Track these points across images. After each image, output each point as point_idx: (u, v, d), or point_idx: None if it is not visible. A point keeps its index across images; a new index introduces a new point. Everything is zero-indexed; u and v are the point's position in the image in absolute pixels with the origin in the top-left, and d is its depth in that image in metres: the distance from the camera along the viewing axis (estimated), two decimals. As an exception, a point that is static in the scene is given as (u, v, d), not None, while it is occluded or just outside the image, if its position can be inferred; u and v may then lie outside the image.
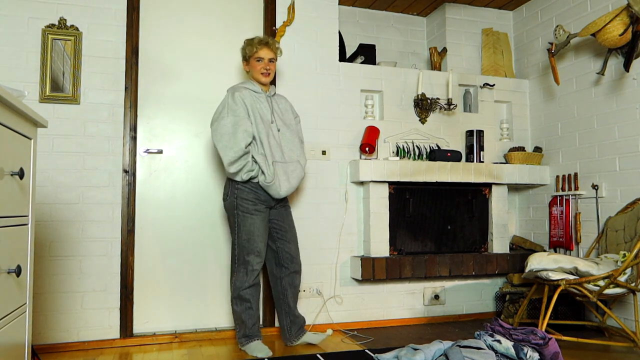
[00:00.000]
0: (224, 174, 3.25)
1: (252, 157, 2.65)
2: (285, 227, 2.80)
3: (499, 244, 3.60)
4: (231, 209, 2.70)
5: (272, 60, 2.77)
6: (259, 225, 2.68)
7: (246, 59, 2.80)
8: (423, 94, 3.57)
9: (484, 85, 3.77)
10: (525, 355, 2.25)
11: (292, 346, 2.86)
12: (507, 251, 3.61)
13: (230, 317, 3.21)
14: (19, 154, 1.56)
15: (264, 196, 2.70)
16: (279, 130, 2.75)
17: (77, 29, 2.97)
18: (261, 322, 3.20)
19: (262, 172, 2.65)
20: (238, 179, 2.64)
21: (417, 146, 3.57)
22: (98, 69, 3.00)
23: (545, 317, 2.80)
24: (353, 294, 3.39)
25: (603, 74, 3.13)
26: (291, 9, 3.36)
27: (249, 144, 2.63)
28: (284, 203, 2.84)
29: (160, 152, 3.14)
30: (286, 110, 2.87)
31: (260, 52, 2.73)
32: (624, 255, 2.74)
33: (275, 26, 3.34)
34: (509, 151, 3.76)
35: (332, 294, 3.33)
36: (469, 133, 3.66)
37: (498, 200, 3.63)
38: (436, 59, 3.84)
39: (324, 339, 2.91)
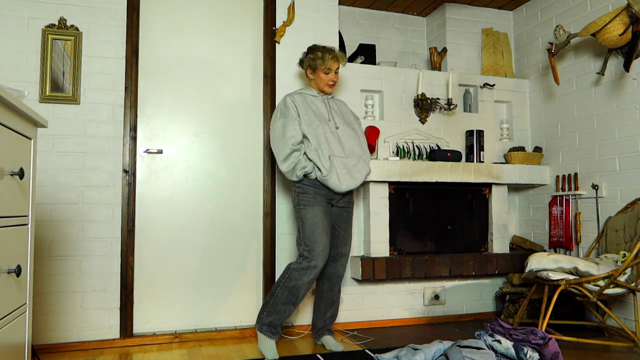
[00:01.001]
0: (224, 174, 3.25)
1: (306, 154, 2.70)
2: (342, 226, 2.81)
3: (499, 244, 3.60)
4: (295, 206, 2.76)
5: (337, 72, 2.82)
6: (322, 218, 2.66)
7: (312, 68, 2.80)
8: (423, 94, 3.57)
9: (484, 85, 3.77)
10: (525, 355, 2.25)
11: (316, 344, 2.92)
12: (507, 251, 3.61)
13: (231, 317, 3.21)
14: (19, 154, 1.56)
15: (324, 190, 2.70)
16: (337, 128, 2.77)
17: (77, 29, 2.97)
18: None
19: (318, 168, 2.66)
20: (295, 178, 2.70)
21: (417, 146, 3.57)
22: (98, 69, 3.00)
23: (545, 317, 2.80)
24: (353, 294, 3.39)
25: (603, 74, 3.13)
26: (291, 9, 3.36)
27: (299, 142, 2.68)
28: (345, 203, 2.80)
29: (160, 152, 3.14)
30: (346, 111, 2.92)
31: (330, 65, 2.77)
32: (624, 255, 2.74)
33: (275, 26, 3.34)
34: (509, 151, 3.76)
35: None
36: (469, 133, 3.66)
37: (498, 200, 3.63)
38: (436, 59, 3.84)
39: (339, 349, 2.80)
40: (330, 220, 2.76)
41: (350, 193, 2.84)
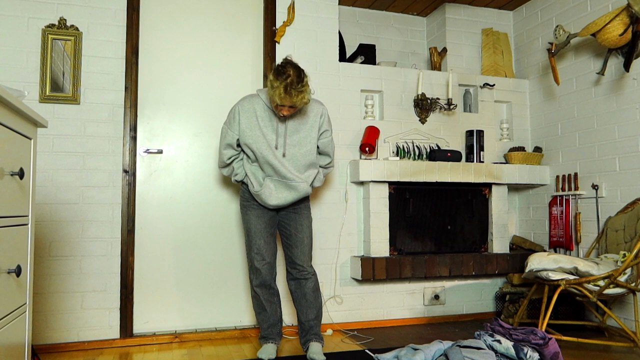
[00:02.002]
0: (224, 174, 3.25)
1: (244, 163, 2.68)
2: (290, 230, 2.68)
3: (499, 244, 3.60)
4: (239, 208, 2.77)
5: (294, 107, 2.46)
6: (255, 222, 2.64)
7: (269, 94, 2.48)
8: (423, 94, 3.57)
9: (484, 85, 3.77)
10: (525, 355, 2.25)
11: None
12: (507, 251, 3.61)
13: (230, 317, 3.21)
14: (19, 154, 1.56)
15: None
16: (284, 156, 2.56)
17: (77, 29, 2.97)
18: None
19: (251, 182, 2.62)
20: (232, 180, 2.72)
21: (417, 146, 3.57)
22: (98, 69, 3.00)
23: (545, 317, 2.80)
24: (353, 294, 3.39)
25: (603, 74, 3.13)
26: (291, 9, 3.36)
27: (232, 156, 2.66)
28: (293, 208, 2.69)
29: (160, 152, 3.14)
30: (305, 126, 2.61)
31: (280, 101, 2.40)
32: (624, 255, 2.74)
33: (275, 26, 3.34)
34: (509, 151, 3.76)
35: (332, 294, 3.33)
36: (469, 133, 3.66)
37: (498, 200, 3.63)
38: (436, 59, 3.84)
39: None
40: (271, 223, 2.68)
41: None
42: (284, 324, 3.21)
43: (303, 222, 2.69)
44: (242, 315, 3.23)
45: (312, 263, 3.29)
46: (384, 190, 3.37)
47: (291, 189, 2.59)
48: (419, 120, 3.62)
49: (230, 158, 2.67)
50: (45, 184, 2.88)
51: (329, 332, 3.02)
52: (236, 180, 2.70)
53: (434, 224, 3.53)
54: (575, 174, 3.43)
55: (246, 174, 2.66)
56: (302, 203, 2.72)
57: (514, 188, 3.91)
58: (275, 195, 2.58)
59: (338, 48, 3.50)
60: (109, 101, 3.01)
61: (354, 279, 3.37)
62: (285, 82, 2.34)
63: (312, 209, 3.33)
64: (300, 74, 2.38)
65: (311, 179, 2.67)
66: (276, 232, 2.73)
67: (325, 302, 3.32)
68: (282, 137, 2.57)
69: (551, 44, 3.35)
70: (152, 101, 3.15)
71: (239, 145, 2.65)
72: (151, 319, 3.07)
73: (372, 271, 3.20)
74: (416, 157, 3.54)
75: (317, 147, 2.68)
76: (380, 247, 3.33)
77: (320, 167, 2.74)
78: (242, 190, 2.72)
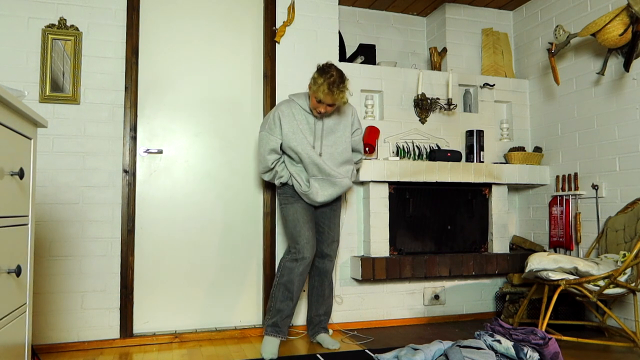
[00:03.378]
0: (224, 174, 3.25)
1: (286, 165, 2.80)
2: (323, 227, 2.88)
3: (499, 244, 3.60)
4: (279, 206, 2.93)
5: (332, 105, 2.64)
6: (303, 214, 2.78)
7: (310, 87, 2.64)
8: (423, 94, 3.57)
9: (484, 85, 3.77)
10: (525, 355, 2.25)
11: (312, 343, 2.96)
12: (507, 251, 3.61)
13: (230, 317, 3.21)
14: (19, 154, 1.56)
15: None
16: (320, 155, 2.74)
17: (77, 29, 2.97)
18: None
19: (297, 182, 2.76)
20: (275, 184, 2.87)
21: (417, 146, 3.57)
22: (98, 69, 3.00)
23: (545, 317, 2.80)
24: (353, 294, 3.39)
25: (603, 74, 3.13)
26: (291, 9, 3.36)
27: (275, 160, 2.78)
28: (330, 204, 2.89)
29: (160, 152, 3.14)
30: (339, 126, 2.79)
31: (321, 97, 2.58)
32: (624, 255, 2.74)
33: (275, 26, 3.34)
34: (509, 151, 3.76)
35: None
36: (469, 133, 3.66)
37: (498, 200, 3.63)
38: (436, 59, 3.84)
39: (336, 347, 2.82)
40: (313, 216, 2.85)
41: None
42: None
43: (336, 220, 2.92)
44: (242, 315, 3.23)
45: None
46: (384, 190, 3.37)
47: (335, 185, 2.78)
48: (419, 120, 3.62)
49: (274, 162, 2.79)
50: (45, 184, 2.88)
51: (330, 332, 3.02)
52: (281, 183, 2.81)
53: (434, 224, 3.53)
54: (575, 174, 3.43)
55: (291, 175, 2.79)
56: (338, 201, 2.93)
57: (514, 188, 3.91)
58: (321, 192, 2.75)
59: (338, 48, 3.50)
60: (109, 101, 3.01)
61: (354, 279, 3.37)
62: (329, 80, 2.54)
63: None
64: (342, 75, 2.60)
65: (349, 174, 2.85)
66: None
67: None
68: (319, 138, 2.75)
69: (551, 44, 3.35)
70: (152, 101, 3.15)
71: (282, 150, 2.78)
72: (151, 319, 3.07)
73: (372, 271, 3.20)
74: (416, 157, 3.54)
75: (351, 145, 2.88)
76: (380, 247, 3.33)
77: (356, 164, 2.97)
78: (282, 189, 2.84)
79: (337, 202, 2.92)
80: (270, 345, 2.67)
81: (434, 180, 3.41)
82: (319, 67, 2.62)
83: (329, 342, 2.83)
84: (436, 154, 3.48)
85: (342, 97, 2.60)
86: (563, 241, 3.47)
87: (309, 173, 2.76)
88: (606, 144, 3.23)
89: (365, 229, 3.38)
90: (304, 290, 3.24)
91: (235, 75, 3.31)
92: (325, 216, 2.89)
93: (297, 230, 2.74)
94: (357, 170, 3.05)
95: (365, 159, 3.42)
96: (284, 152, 2.80)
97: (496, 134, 3.84)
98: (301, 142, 2.71)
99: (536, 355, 2.26)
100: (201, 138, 3.23)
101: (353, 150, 2.90)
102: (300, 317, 3.26)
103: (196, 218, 3.19)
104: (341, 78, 2.58)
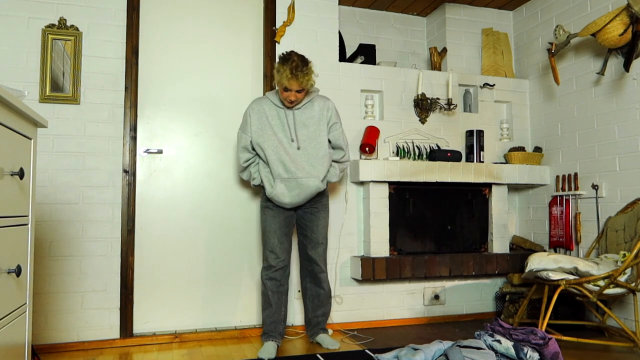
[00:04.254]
0: (224, 174, 3.25)
1: (260, 165, 2.78)
2: (306, 231, 2.82)
3: (499, 244, 3.60)
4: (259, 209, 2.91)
5: (301, 91, 2.59)
6: (270, 222, 2.75)
7: (275, 78, 2.60)
8: (423, 94, 3.57)
9: (484, 85, 3.77)
10: (525, 355, 2.25)
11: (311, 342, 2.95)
12: (507, 251, 3.61)
13: (230, 317, 3.21)
14: (19, 154, 1.56)
15: None
16: (298, 149, 2.67)
17: (77, 29, 2.97)
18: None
19: (265, 184, 2.73)
20: (252, 185, 2.84)
21: (417, 146, 3.57)
22: (98, 69, 3.00)
23: (545, 317, 2.80)
24: (353, 294, 3.39)
25: (603, 74, 3.13)
26: (291, 9, 3.36)
27: (248, 159, 2.78)
28: (310, 206, 2.80)
29: (160, 152, 3.14)
30: (312, 120, 2.70)
31: (287, 83, 2.54)
32: (624, 255, 2.74)
33: (275, 26, 3.34)
34: (509, 151, 3.76)
35: (332, 294, 3.33)
36: (469, 133, 3.66)
37: (498, 200, 3.63)
38: (436, 59, 3.84)
39: (335, 347, 2.82)
40: (288, 221, 2.78)
41: (311, 200, 2.78)
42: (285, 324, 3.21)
43: (319, 223, 2.81)
44: (242, 315, 3.23)
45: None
46: (384, 190, 3.37)
47: (301, 185, 2.68)
48: (419, 120, 3.62)
49: (246, 161, 2.78)
50: (45, 184, 2.88)
51: (329, 332, 3.02)
52: (254, 185, 2.80)
53: (434, 224, 3.53)
54: (575, 174, 3.43)
55: (262, 178, 2.77)
56: (319, 202, 2.81)
57: (514, 188, 3.91)
58: (288, 194, 2.69)
59: (338, 48, 3.50)
60: (109, 101, 3.01)
61: (354, 279, 3.37)
62: (291, 65, 2.51)
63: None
64: (304, 59, 2.57)
65: (323, 174, 2.72)
66: (291, 231, 2.82)
67: (325, 302, 3.32)
68: (290, 129, 2.68)
69: (551, 44, 3.35)
70: (152, 101, 3.15)
71: (254, 148, 2.75)
72: (151, 319, 3.07)
73: (372, 271, 3.20)
74: (416, 157, 3.54)
75: (329, 141, 2.77)
76: (380, 247, 3.33)
77: (335, 161, 2.82)
78: (261, 193, 2.84)
79: (317, 204, 2.80)
80: (267, 347, 2.69)
81: (434, 180, 3.41)
82: (280, 56, 2.60)
83: (329, 342, 2.83)
84: (436, 154, 3.48)
85: (308, 80, 2.55)
86: (563, 241, 3.47)
87: (274, 173, 2.69)
88: (606, 144, 3.23)
89: (365, 229, 3.38)
90: (299, 291, 3.24)
91: (235, 74, 3.31)
92: (306, 219, 2.80)
93: (265, 238, 2.76)
94: (343, 170, 2.86)
95: (365, 159, 3.42)
96: (256, 153, 2.77)
97: (496, 134, 3.84)
98: (268, 139, 2.67)
99: (536, 355, 2.26)
100: (201, 138, 3.23)
101: (334, 147, 2.79)
102: (299, 317, 3.26)
103: (196, 218, 3.18)
104: (303, 62, 2.55)
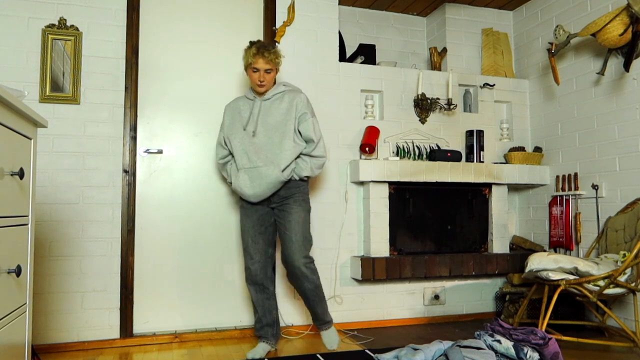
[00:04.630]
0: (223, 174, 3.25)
1: (233, 164, 2.80)
2: (280, 228, 2.71)
3: (499, 244, 3.60)
4: None
5: (269, 71, 2.64)
6: (243, 221, 2.76)
7: (244, 64, 2.67)
8: (423, 94, 3.57)
9: (484, 85, 3.77)
10: (525, 355, 2.25)
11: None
12: (507, 251, 3.61)
13: (230, 317, 3.21)
14: (19, 154, 1.56)
15: None
16: (254, 135, 2.66)
17: (77, 29, 2.97)
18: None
19: (231, 178, 2.77)
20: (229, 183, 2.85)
21: (417, 146, 3.57)
22: (98, 69, 3.00)
23: (545, 317, 2.80)
24: (353, 294, 3.39)
25: (603, 74, 3.13)
26: (291, 9, 3.36)
27: (224, 156, 2.81)
28: (278, 203, 2.70)
29: (160, 152, 3.14)
30: (279, 111, 2.68)
31: (255, 62, 2.61)
32: (624, 255, 2.74)
33: (275, 26, 3.34)
34: (509, 151, 3.76)
35: (332, 294, 3.33)
36: (469, 133, 3.66)
37: (498, 200, 3.63)
38: (436, 59, 3.84)
39: (332, 347, 2.81)
40: (262, 220, 2.73)
41: (282, 193, 2.69)
42: (284, 324, 3.21)
43: (292, 218, 2.67)
44: (242, 315, 3.23)
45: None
46: (384, 190, 3.37)
47: (262, 175, 2.63)
48: (419, 120, 3.62)
49: (222, 158, 2.81)
50: (45, 184, 2.88)
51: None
52: (230, 183, 2.79)
53: (434, 224, 3.53)
54: (575, 174, 3.43)
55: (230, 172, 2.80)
56: (291, 198, 2.69)
57: (514, 188, 3.91)
58: (250, 185, 2.65)
59: (338, 48, 3.50)
60: (109, 101, 3.01)
61: (354, 279, 3.37)
62: (257, 45, 2.63)
63: (312, 209, 3.32)
64: (271, 42, 2.70)
65: (284, 163, 2.63)
66: (268, 230, 2.76)
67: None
68: (255, 118, 2.70)
69: (551, 44, 3.35)
70: (152, 101, 3.15)
71: (227, 144, 2.79)
72: (151, 319, 3.07)
73: (372, 271, 3.20)
74: (416, 157, 3.54)
75: (301, 134, 2.70)
76: (380, 247, 3.33)
77: (308, 155, 2.70)
78: None
79: (289, 200, 2.69)
80: (257, 348, 2.71)
81: (434, 180, 3.41)
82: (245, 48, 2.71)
83: (326, 340, 2.82)
84: (436, 154, 3.48)
85: (275, 58, 2.63)
86: (563, 241, 3.47)
87: (238, 165, 2.69)
88: (606, 144, 3.23)
89: (365, 229, 3.38)
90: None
91: (235, 75, 3.31)
92: (279, 215, 2.70)
93: (242, 239, 2.78)
94: (319, 166, 2.73)
95: (365, 159, 3.42)
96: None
97: (496, 134, 3.84)
98: (236, 131, 2.71)
99: (536, 355, 2.26)
100: (201, 138, 3.23)
101: (306, 141, 2.70)
102: (302, 317, 3.26)
103: (196, 218, 3.18)
104: (271, 44, 2.66)
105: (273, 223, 2.77)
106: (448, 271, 3.38)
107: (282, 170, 2.63)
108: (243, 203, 2.77)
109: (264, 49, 2.60)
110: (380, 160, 3.34)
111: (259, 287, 2.74)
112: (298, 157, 2.70)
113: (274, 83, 2.75)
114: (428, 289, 3.55)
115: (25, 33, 2.89)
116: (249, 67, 2.65)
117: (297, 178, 2.69)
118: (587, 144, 3.38)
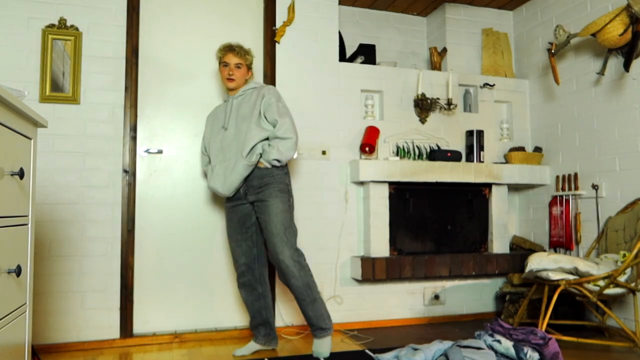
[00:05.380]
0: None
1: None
2: (260, 225, 2.66)
3: (499, 244, 3.60)
4: None
5: (239, 66, 2.70)
6: (227, 225, 2.79)
7: (218, 67, 2.77)
8: (423, 94, 3.57)
9: (484, 85, 3.77)
10: (525, 355, 2.25)
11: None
12: (507, 251, 3.61)
13: (231, 317, 3.21)
14: (19, 154, 1.56)
15: None
16: (225, 129, 2.72)
17: (77, 29, 2.97)
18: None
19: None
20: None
21: (417, 146, 3.57)
22: (98, 69, 3.00)
23: (545, 317, 2.80)
24: (353, 294, 3.39)
25: (603, 74, 3.13)
26: (291, 9, 3.36)
27: (207, 163, 2.84)
28: (254, 198, 2.62)
29: (160, 152, 3.14)
30: (249, 104, 2.67)
31: (225, 57, 2.70)
32: (624, 255, 2.74)
33: (275, 26, 3.34)
34: (509, 151, 3.76)
35: (332, 294, 3.33)
36: (469, 133, 3.66)
37: (498, 200, 3.63)
38: (436, 59, 3.84)
39: (320, 355, 2.62)
40: (244, 221, 2.71)
41: (255, 182, 2.61)
42: (284, 324, 3.21)
43: (269, 211, 2.57)
44: (242, 315, 3.23)
45: (313, 262, 3.28)
46: (384, 190, 3.37)
47: (231, 166, 2.62)
48: (419, 120, 3.62)
49: (206, 165, 2.87)
50: (45, 184, 2.88)
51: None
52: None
53: (434, 224, 3.53)
54: (575, 174, 3.43)
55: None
56: (266, 188, 2.60)
57: (514, 188, 3.91)
58: (222, 179, 2.66)
59: (338, 48, 3.50)
60: (109, 101, 3.01)
61: (354, 279, 3.37)
62: (229, 43, 2.74)
63: (312, 209, 3.32)
64: (242, 45, 2.76)
65: (247, 148, 2.58)
66: (250, 230, 2.73)
67: (326, 302, 3.31)
68: (228, 115, 2.73)
69: (551, 44, 3.35)
70: (152, 101, 3.15)
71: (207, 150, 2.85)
72: (151, 319, 3.07)
73: (372, 271, 3.20)
74: (416, 157, 3.54)
75: (267, 119, 2.65)
76: (380, 247, 3.33)
77: (275, 137, 2.60)
78: None
79: (263, 192, 2.59)
80: (247, 345, 2.75)
81: (434, 180, 3.41)
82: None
83: (315, 350, 2.61)
84: (436, 154, 3.48)
85: (245, 54, 2.71)
86: (563, 241, 3.47)
87: (212, 163, 2.74)
88: (606, 144, 3.23)
89: (365, 229, 3.38)
90: None
91: (235, 75, 3.31)
92: (259, 211, 2.62)
93: (229, 244, 2.80)
94: (288, 148, 2.59)
95: (365, 159, 3.42)
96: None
97: (496, 134, 3.84)
98: (215, 134, 2.76)
99: (536, 355, 2.26)
100: (201, 138, 3.23)
101: (273, 125, 2.63)
102: (299, 318, 3.26)
103: (196, 218, 3.18)
104: (241, 45, 2.74)
105: (255, 222, 2.72)
106: (448, 271, 3.38)
107: (246, 155, 2.57)
108: (225, 204, 2.78)
109: (234, 45, 2.71)
110: (380, 160, 3.33)
111: (248, 288, 2.76)
112: (266, 142, 2.62)
113: (246, 82, 2.77)
114: (428, 289, 3.55)
115: (25, 33, 2.89)
116: (220, 64, 2.74)
117: (268, 165, 2.59)
118: (587, 144, 3.38)
